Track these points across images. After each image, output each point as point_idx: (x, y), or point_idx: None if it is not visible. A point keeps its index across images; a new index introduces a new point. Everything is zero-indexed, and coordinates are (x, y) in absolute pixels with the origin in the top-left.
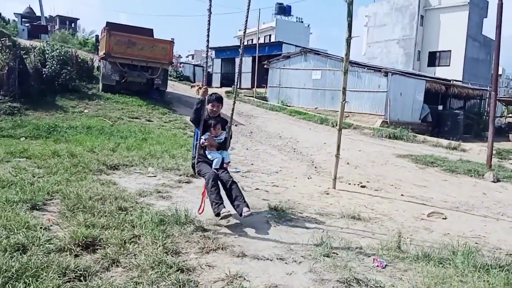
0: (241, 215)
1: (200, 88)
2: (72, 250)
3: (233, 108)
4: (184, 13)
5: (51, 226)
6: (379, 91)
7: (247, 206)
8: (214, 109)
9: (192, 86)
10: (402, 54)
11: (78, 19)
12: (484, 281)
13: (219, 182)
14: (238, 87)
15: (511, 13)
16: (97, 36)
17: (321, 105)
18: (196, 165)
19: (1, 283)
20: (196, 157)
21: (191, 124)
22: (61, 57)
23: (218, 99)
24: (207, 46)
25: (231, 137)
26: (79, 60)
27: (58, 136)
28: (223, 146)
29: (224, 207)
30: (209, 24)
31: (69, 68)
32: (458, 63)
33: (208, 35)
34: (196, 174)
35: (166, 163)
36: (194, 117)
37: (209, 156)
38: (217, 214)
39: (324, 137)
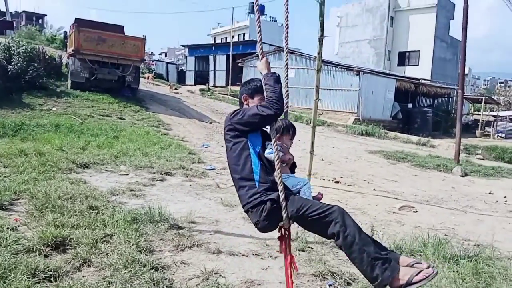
0: (410, 283)
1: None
2: (41, 251)
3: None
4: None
5: (18, 226)
6: (351, 90)
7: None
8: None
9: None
10: (373, 54)
11: (46, 15)
12: (453, 271)
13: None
14: (212, 85)
15: (477, 16)
16: (65, 32)
17: (295, 103)
18: (282, 201)
19: None
20: (269, 186)
21: (270, 117)
22: (28, 54)
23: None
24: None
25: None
26: (47, 57)
27: (25, 134)
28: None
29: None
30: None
31: (36, 65)
32: (427, 62)
33: (287, 26)
34: (283, 222)
35: (139, 161)
36: (282, 103)
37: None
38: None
39: (298, 134)
